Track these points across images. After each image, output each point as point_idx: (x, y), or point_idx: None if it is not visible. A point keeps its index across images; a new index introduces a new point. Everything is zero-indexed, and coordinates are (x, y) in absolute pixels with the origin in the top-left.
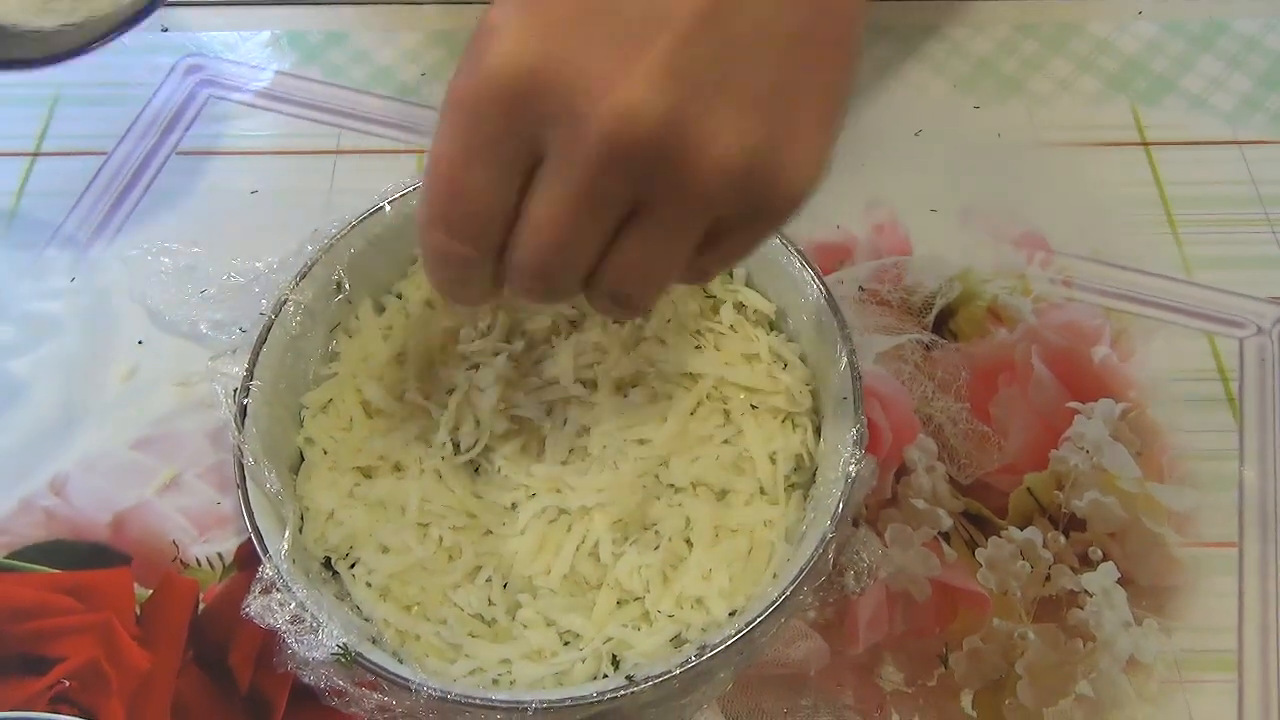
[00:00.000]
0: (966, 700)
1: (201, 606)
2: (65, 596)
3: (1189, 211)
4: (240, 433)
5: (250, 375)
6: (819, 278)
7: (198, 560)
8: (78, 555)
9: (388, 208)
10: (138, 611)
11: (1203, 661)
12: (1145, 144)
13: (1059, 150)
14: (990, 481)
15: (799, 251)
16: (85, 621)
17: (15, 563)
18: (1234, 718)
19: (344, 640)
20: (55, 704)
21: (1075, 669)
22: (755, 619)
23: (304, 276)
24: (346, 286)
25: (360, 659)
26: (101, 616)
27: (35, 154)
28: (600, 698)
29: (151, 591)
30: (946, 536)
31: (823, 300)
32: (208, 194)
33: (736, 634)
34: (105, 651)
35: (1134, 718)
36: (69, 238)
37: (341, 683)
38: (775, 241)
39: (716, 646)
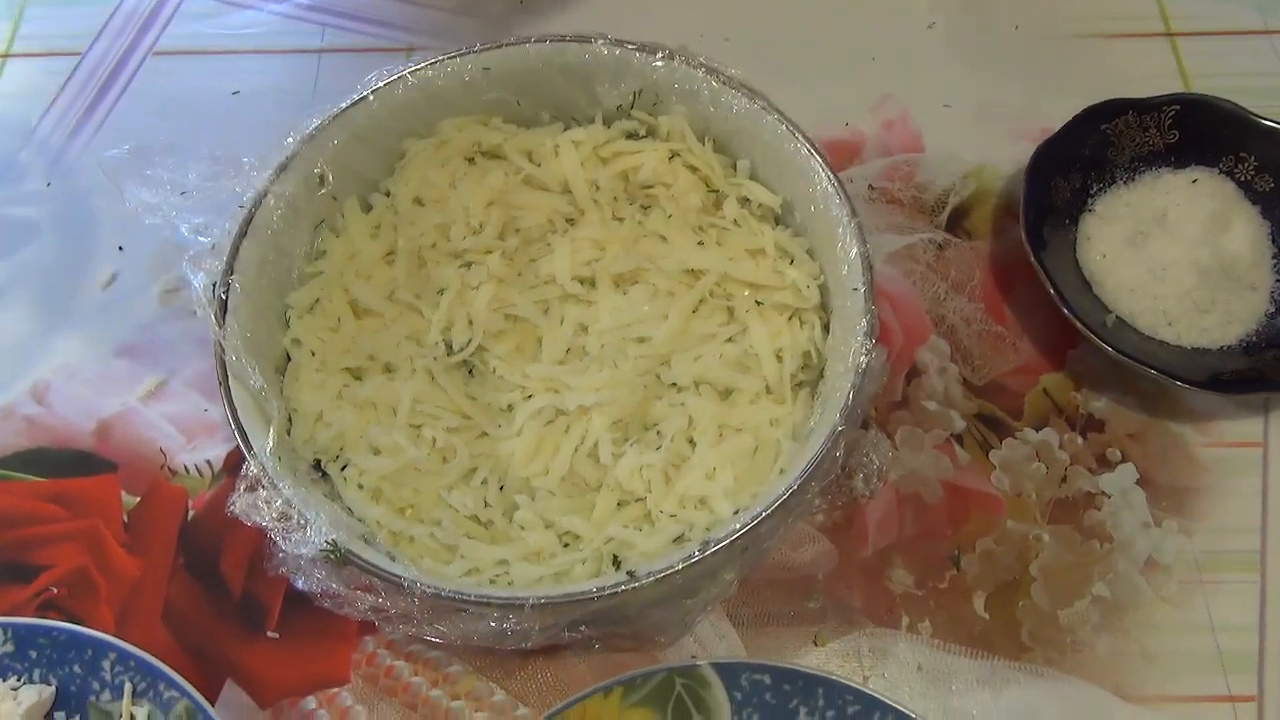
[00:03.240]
0: (979, 602)
1: (191, 514)
2: (50, 504)
3: None
4: (221, 328)
5: (230, 270)
6: (827, 166)
7: (186, 468)
8: (62, 463)
9: (372, 98)
10: (125, 519)
11: (1223, 562)
12: (1170, 34)
13: (1079, 42)
14: (1005, 382)
15: (806, 139)
16: (71, 529)
17: None
18: (1255, 617)
19: (333, 536)
20: (43, 610)
21: (1091, 570)
22: (762, 513)
23: (285, 169)
24: (330, 180)
25: (351, 556)
26: (88, 524)
27: (5, 55)
28: (600, 593)
29: (139, 499)
30: (959, 438)
31: (831, 189)
32: (187, 95)
33: (742, 529)
34: (93, 559)
35: (1152, 618)
36: (43, 141)
37: (335, 585)
38: (780, 128)
39: (721, 541)
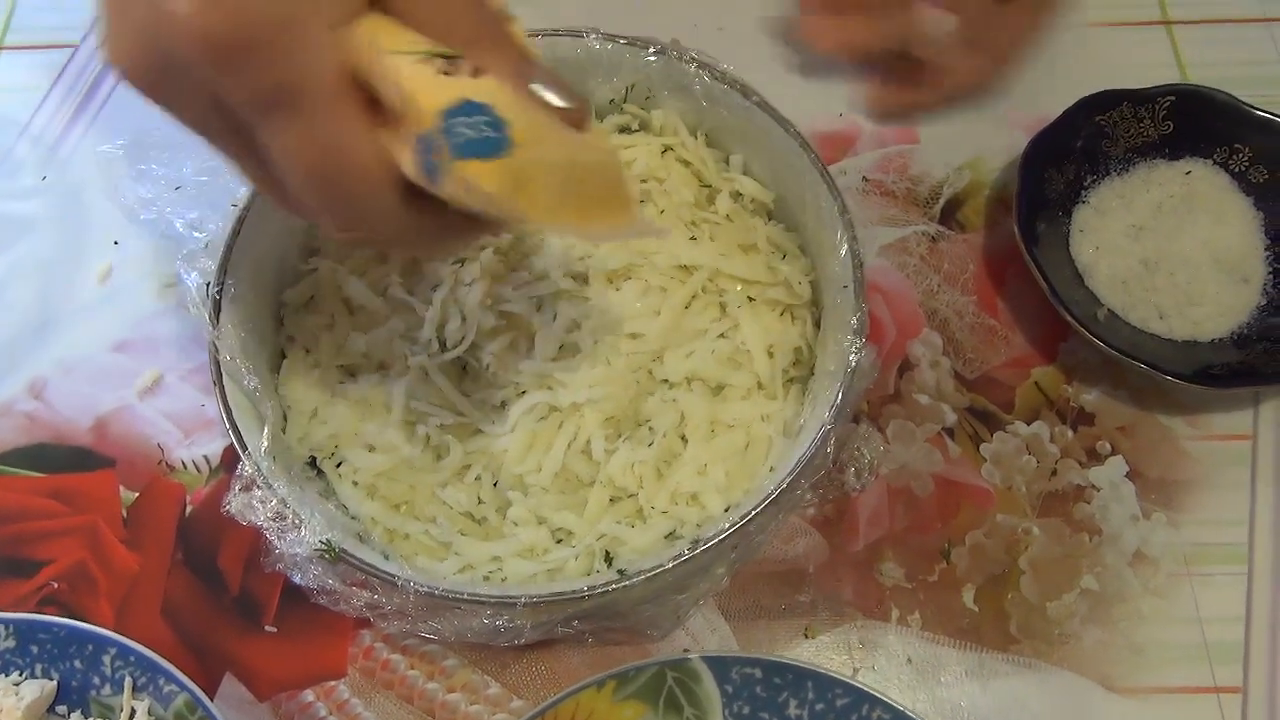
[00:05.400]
0: (968, 595)
1: (189, 509)
2: (49, 500)
3: None
4: (215, 329)
5: (224, 271)
6: (819, 162)
7: (184, 463)
8: (60, 459)
9: None
10: (124, 514)
11: (1211, 554)
12: (1167, 23)
13: (1074, 32)
14: (997, 376)
15: (798, 135)
16: (71, 524)
17: None
18: (1241, 609)
19: (327, 536)
20: (43, 606)
21: (1080, 563)
22: (750, 512)
23: None
24: None
25: (345, 555)
26: (87, 519)
27: None
28: (591, 592)
29: (137, 494)
30: (950, 432)
31: (823, 185)
32: None
33: (731, 527)
34: (92, 554)
35: (1139, 610)
36: (38, 135)
37: (331, 582)
38: (772, 124)
39: (710, 540)
